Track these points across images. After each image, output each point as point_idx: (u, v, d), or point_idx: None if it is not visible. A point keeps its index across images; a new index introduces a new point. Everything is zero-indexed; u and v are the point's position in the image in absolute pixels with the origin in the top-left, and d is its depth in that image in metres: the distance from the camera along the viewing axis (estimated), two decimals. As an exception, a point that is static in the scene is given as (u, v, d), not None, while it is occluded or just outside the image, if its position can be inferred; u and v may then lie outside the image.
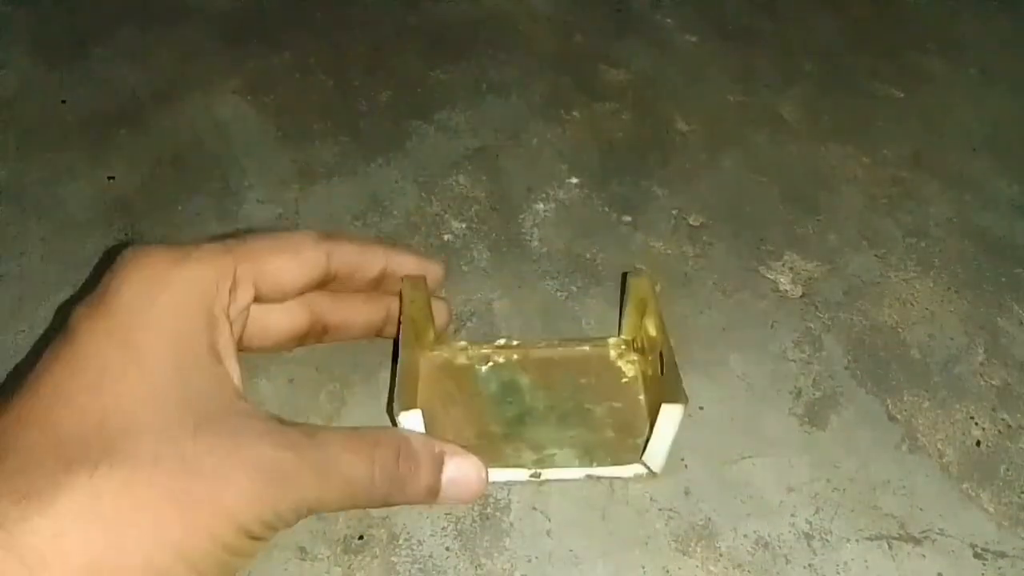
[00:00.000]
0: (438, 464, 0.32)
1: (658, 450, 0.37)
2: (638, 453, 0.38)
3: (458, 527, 0.38)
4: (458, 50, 0.69)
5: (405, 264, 0.39)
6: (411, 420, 0.34)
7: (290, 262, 0.32)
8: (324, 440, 0.28)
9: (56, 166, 0.57)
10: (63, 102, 0.62)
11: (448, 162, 0.59)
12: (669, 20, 0.73)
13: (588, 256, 0.52)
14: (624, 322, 0.44)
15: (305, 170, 0.58)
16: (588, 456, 0.39)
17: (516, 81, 0.66)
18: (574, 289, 0.50)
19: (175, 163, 0.58)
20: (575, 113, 0.63)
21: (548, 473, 0.38)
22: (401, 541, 0.37)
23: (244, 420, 0.27)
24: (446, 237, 0.53)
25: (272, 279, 0.32)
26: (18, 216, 0.53)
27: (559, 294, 0.50)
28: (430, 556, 0.37)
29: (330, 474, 0.27)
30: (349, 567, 0.36)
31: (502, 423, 0.40)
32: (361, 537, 0.37)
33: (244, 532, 0.25)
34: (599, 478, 0.38)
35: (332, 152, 0.59)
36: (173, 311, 0.27)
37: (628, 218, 0.55)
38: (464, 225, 0.54)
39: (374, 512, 0.38)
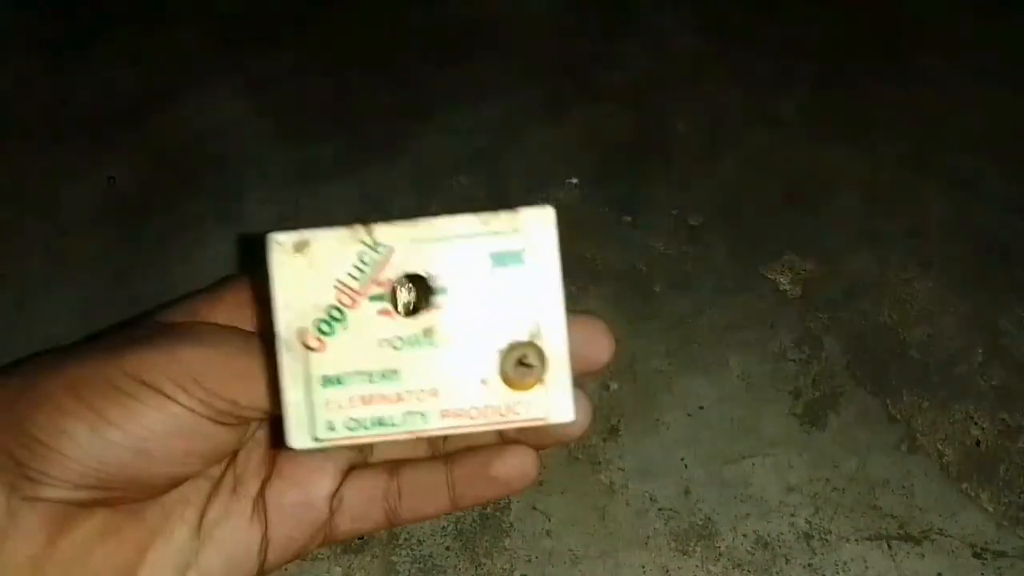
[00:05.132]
0: None
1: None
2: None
3: (458, 527, 0.38)
4: (458, 51, 0.69)
5: None
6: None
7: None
8: None
9: (56, 167, 0.57)
10: (63, 103, 0.62)
11: (448, 163, 0.59)
12: (668, 21, 0.73)
13: (588, 256, 0.52)
14: None
15: (305, 170, 0.58)
16: None
17: (516, 82, 0.66)
18: (573, 289, 0.50)
19: (175, 164, 0.58)
20: (575, 114, 0.63)
21: None
22: (401, 541, 0.37)
23: None
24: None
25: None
26: (19, 217, 0.53)
27: (559, 294, 0.50)
28: (430, 556, 0.37)
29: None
30: (349, 567, 0.36)
31: None
32: (361, 537, 0.37)
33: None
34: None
35: (332, 153, 0.59)
36: None
37: (628, 218, 0.55)
38: (464, 225, 0.54)
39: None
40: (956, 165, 0.60)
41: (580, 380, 0.26)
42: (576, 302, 0.49)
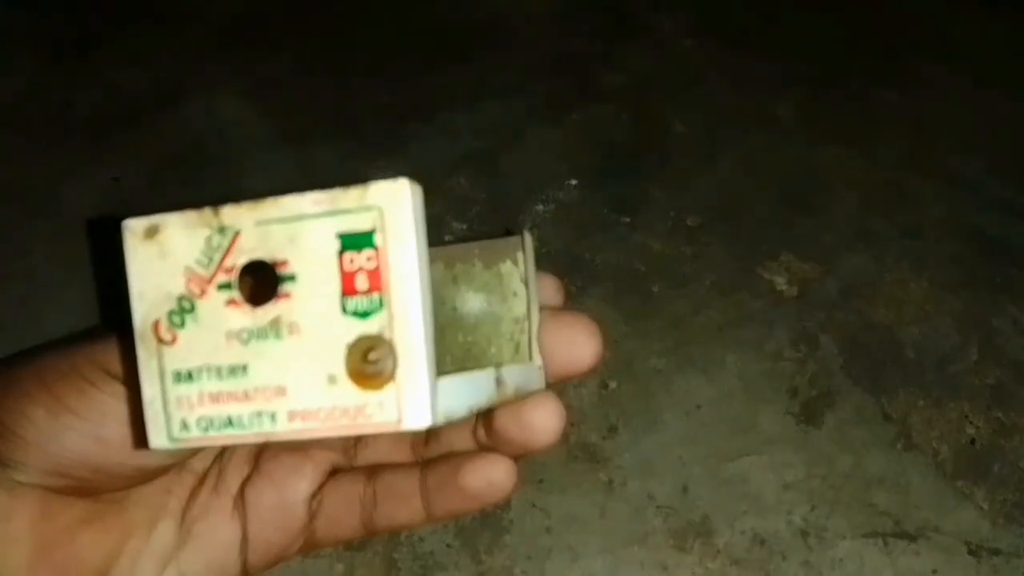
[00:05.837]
0: None
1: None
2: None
3: (459, 524, 0.38)
4: (458, 52, 0.69)
5: None
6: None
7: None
8: None
9: (61, 167, 0.57)
10: (67, 104, 0.63)
11: (449, 163, 0.59)
12: (667, 23, 0.74)
13: (587, 256, 0.53)
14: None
15: (307, 171, 0.58)
16: None
17: (516, 83, 0.66)
18: (573, 289, 0.50)
19: (178, 164, 0.58)
20: (574, 115, 0.64)
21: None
22: (402, 538, 0.38)
23: None
24: (447, 238, 0.54)
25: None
26: (23, 216, 0.54)
27: (558, 294, 0.50)
28: (431, 553, 0.37)
29: None
30: (351, 563, 0.37)
31: None
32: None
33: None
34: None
35: (333, 153, 0.60)
36: None
37: (627, 219, 0.55)
38: (465, 226, 0.54)
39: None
40: (952, 166, 0.61)
41: (563, 383, 0.26)
42: (575, 302, 0.50)
